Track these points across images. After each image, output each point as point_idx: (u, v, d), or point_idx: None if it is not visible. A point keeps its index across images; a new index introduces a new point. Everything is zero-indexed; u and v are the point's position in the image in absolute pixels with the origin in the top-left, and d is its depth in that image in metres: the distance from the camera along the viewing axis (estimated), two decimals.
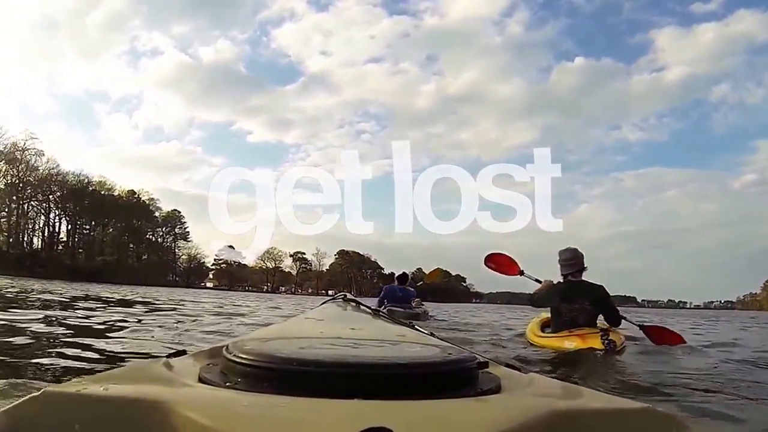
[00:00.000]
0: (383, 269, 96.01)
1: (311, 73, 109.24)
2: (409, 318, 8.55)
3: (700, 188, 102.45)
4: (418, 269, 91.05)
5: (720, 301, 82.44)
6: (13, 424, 0.54)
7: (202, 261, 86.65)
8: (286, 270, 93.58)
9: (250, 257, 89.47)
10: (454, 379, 0.67)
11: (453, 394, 0.63)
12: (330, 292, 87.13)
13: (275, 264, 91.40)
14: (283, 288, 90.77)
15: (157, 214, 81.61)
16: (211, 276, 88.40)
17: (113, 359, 2.71)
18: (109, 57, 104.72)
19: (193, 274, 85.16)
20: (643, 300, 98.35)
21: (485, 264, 5.71)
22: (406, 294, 8.91)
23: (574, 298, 4.42)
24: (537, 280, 5.10)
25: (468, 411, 0.58)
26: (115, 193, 75.80)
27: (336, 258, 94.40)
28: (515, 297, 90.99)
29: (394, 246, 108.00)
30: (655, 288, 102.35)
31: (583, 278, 4.52)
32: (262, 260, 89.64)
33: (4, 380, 1.71)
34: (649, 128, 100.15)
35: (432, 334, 1.36)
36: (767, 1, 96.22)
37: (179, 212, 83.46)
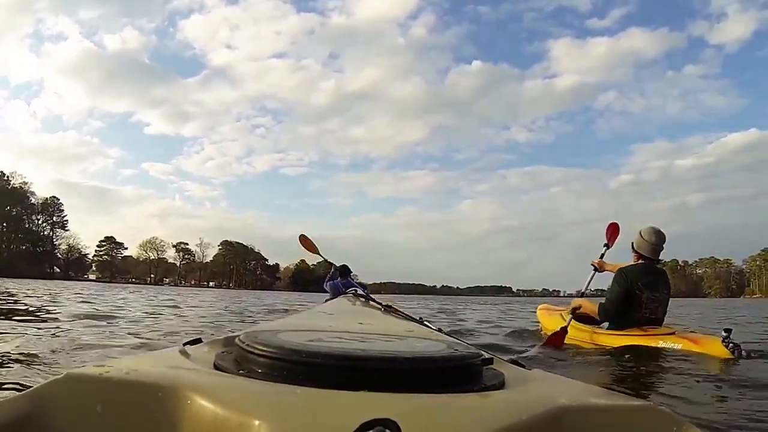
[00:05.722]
0: (267, 260, 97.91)
1: (214, 66, 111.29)
2: None
3: (582, 186, 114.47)
4: (301, 260, 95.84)
5: (591, 289, 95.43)
6: (37, 405, 0.56)
7: (84, 252, 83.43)
8: (170, 261, 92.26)
9: (132, 248, 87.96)
10: (458, 374, 0.68)
11: (457, 388, 0.64)
12: (212, 284, 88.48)
13: (158, 254, 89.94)
14: (167, 279, 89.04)
15: (33, 200, 77.12)
16: (94, 268, 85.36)
17: None
18: (12, 39, 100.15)
19: (74, 266, 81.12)
20: (518, 290, 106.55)
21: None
22: (349, 288, 8.43)
23: (657, 285, 3.70)
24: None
25: (471, 406, 0.58)
26: None
27: (220, 249, 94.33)
28: (399, 287, 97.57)
29: (279, 238, 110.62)
30: (531, 278, 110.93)
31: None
32: (144, 250, 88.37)
33: None
34: (537, 130, 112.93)
35: (440, 330, 1.36)
36: (657, 21, 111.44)
37: (57, 199, 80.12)
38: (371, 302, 1.90)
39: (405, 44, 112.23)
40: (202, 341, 0.91)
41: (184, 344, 0.85)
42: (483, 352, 0.80)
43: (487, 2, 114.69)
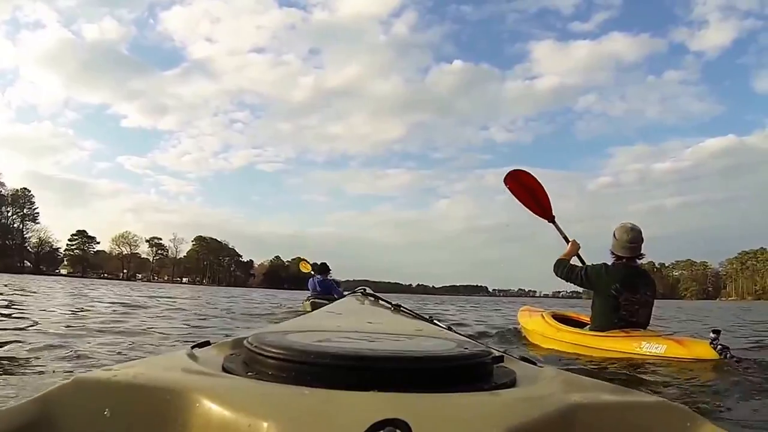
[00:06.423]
0: (241, 257, 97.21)
1: (194, 60, 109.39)
2: None
3: (560, 187, 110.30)
4: (276, 257, 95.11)
5: (567, 291, 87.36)
6: (45, 410, 0.56)
7: (55, 246, 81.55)
8: (143, 256, 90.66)
9: (105, 242, 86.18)
10: (469, 372, 0.68)
11: (468, 387, 0.64)
12: (185, 280, 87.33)
13: (131, 249, 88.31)
14: (140, 275, 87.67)
15: (3, 191, 75.37)
16: (65, 262, 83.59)
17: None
18: None
19: (45, 260, 79.20)
20: (494, 289, 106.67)
21: (506, 182, 4.45)
22: (326, 286, 8.75)
23: (637, 287, 3.59)
24: (566, 238, 4.21)
25: (482, 404, 0.58)
26: None
27: (193, 244, 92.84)
28: (375, 285, 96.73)
29: (254, 234, 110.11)
30: (507, 278, 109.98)
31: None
32: (117, 245, 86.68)
33: None
34: (516, 130, 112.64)
35: (450, 329, 1.34)
36: (639, 26, 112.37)
37: (28, 191, 78.32)
38: (380, 302, 1.89)
39: (386, 42, 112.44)
40: (210, 344, 0.91)
41: (192, 347, 0.84)
42: (494, 350, 0.79)
43: (470, 2, 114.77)
